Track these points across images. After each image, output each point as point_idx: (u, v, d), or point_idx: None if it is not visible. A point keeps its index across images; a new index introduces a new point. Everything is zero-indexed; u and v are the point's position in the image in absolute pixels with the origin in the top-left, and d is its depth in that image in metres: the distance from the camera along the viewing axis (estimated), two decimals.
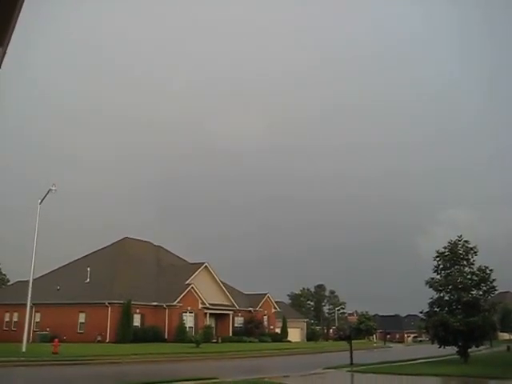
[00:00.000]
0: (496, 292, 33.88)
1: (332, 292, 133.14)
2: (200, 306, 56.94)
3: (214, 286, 61.98)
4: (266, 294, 70.78)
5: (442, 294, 32.58)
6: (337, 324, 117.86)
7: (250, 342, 57.43)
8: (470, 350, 32.16)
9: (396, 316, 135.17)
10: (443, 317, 31.09)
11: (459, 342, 31.43)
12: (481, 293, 32.23)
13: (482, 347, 36.84)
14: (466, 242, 32.68)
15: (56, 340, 34.31)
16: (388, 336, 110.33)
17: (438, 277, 32.75)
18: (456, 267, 32.43)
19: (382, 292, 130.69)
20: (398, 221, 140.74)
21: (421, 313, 34.14)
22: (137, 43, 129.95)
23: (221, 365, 32.82)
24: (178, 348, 41.56)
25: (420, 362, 31.63)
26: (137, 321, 52.27)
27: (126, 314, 49.97)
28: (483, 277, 31.89)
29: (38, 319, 53.36)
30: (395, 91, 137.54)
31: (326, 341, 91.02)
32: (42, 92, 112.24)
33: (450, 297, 32.31)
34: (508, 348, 48.27)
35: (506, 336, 77.33)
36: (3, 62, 5.46)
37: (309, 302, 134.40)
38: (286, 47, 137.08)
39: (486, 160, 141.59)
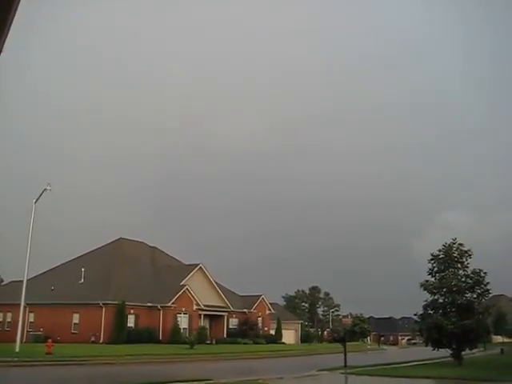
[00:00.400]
0: (490, 295, 34.03)
1: (327, 294, 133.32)
2: (194, 307, 56.87)
3: (208, 287, 61.92)
4: (260, 296, 70.76)
5: (436, 297, 32.68)
6: (331, 326, 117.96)
7: (244, 343, 57.37)
8: (463, 352, 32.25)
9: (390, 318, 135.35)
10: (437, 319, 31.17)
11: (453, 345, 31.51)
12: (475, 296, 32.34)
13: (475, 350, 36.95)
14: (460, 244, 32.79)
15: (50, 340, 34.21)
16: (382, 338, 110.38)
17: (433, 279, 32.84)
18: (450, 270, 32.53)
19: (376, 294, 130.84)
20: (393, 223, 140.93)
21: (415, 315, 34.21)
22: (136, 44, 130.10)
23: (215, 366, 32.80)
24: (172, 349, 41.50)
25: (414, 365, 31.67)
26: (131, 321, 52.15)
27: (121, 314, 49.85)
28: (477, 280, 32.00)
29: (31, 319, 53.15)
30: (394, 93, 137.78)
31: (321, 343, 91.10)
32: (41, 91, 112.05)
33: (444, 299, 32.39)
34: (502, 351, 48.44)
35: (499, 339, 77.48)
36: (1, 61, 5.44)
37: (303, 303, 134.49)
38: (286, 47, 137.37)
39: (482, 164, 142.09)
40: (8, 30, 4.58)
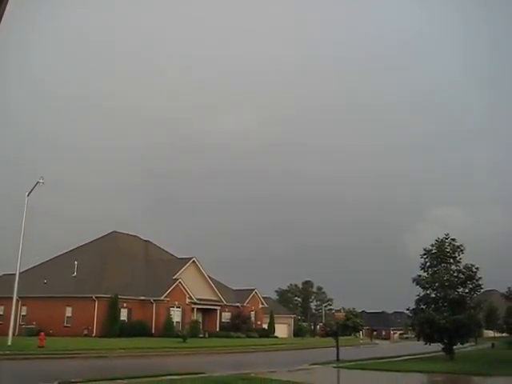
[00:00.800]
0: (482, 290, 34.25)
1: (319, 288, 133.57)
2: (187, 300, 56.92)
3: (201, 281, 61.96)
4: (253, 290, 70.90)
5: (428, 292, 32.88)
6: (324, 320, 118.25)
7: (237, 337, 57.49)
8: (455, 347, 32.50)
9: (383, 313, 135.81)
10: (429, 314, 31.36)
11: (445, 339, 31.75)
12: (467, 291, 32.57)
13: (467, 344, 37.26)
14: (452, 240, 32.98)
15: (42, 333, 34.11)
16: (374, 333, 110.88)
17: (425, 274, 33.03)
18: (443, 265, 32.72)
19: (369, 289, 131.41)
20: (385, 219, 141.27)
21: (407, 310, 34.44)
22: (130, 40, 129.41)
23: (208, 360, 32.88)
24: (164, 343, 41.51)
25: (406, 359, 31.85)
26: (124, 315, 52.14)
27: (113, 308, 49.82)
28: (469, 275, 32.22)
29: (24, 312, 53.03)
30: (391, 91, 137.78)
31: (313, 337, 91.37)
32: (37, 83, 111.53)
33: (436, 294, 32.60)
34: (492, 345, 48.84)
35: (490, 334, 77.99)
36: None
37: (296, 298, 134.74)
38: (278, 45, 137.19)
39: (476, 160, 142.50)
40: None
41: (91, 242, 63.19)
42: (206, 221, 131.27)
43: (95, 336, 48.03)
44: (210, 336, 56.44)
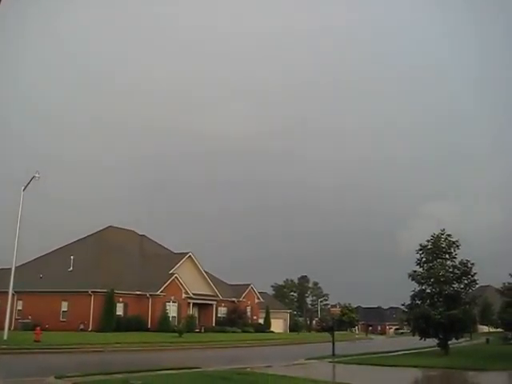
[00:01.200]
0: (477, 286, 34.38)
1: (315, 284, 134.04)
2: (183, 295, 56.99)
3: (197, 275, 62.03)
4: (249, 285, 71.03)
5: (423, 287, 32.98)
6: (320, 315, 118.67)
7: (232, 332, 57.65)
8: (450, 342, 32.62)
9: (378, 308, 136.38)
10: (425, 309, 31.48)
11: (440, 335, 31.88)
12: (462, 286, 32.69)
13: (462, 340, 37.39)
14: (448, 235, 33.07)
15: (38, 328, 34.09)
16: (370, 328, 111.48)
17: (421, 270, 33.12)
18: (438, 260, 32.80)
19: (364, 284, 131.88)
20: (381, 214, 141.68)
21: (403, 305, 34.50)
22: (125, 42, 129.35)
23: (203, 354, 32.93)
24: (160, 337, 41.55)
25: (401, 354, 31.95)
26: (120, 310, 52.21)
27: (109, 302, 49.87)
28: (465, 270, 32.33)
29: (20, 307, 53.02)
30: (380, 82, 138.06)
31: (309, 332, 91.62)
32: (30, 85, 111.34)
33: (431, 289, 32.70)
34: (487, 341, 49.07)
35: (485, 329, 78.37)
36: None
37: (292, 293, 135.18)
38: (278, 46, 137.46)
39: (471, 155, 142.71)
40: None
41: (87, 236, 63.15)
42: (202, 216, 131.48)
43: (91, 331, 48.08)
44: (206, 331, 56.55)
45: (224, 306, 65.99)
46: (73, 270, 54.34)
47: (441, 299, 32.10)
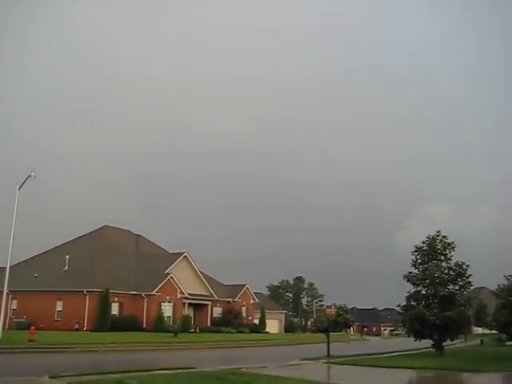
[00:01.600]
0: (472, 287, 34.44)
1: (311, 284, 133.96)
2: (179, 295, 56.91)
3: (193, 276, 61.95)
4: (244, 285, 70.96)
5: (419, 288, 33.03)
6: (315, 316, 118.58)
7: (228, 332, 57.60)
8: (445, 343, 32.69)
9: (373, 309, 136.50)
10: (419, 310, 31.53)
11: (435, 336, 31.95)
12: (457, 288, 32.76)
13: (456, 341, 37.45)
14: (444, 237, 33.13)
15: (33, 327, 33.99)
16: (365, 329, 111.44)
17: (416, 271, 33.17)
18: (434, 262, 32.86)
19: (359, 285, 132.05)
20: (377, 215, 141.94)
21: (398, 306, 34.57)
22: (127, 42, 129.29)
23: (198, 355, 32.90)
24: (155, 337, 41.50)
25: (396, 355, 32.03)
26: (115, 309, 52.07)
27: (104, 302, 49.75)
28: (460, 272, 32.39)
29: (14, 306, 52.84)
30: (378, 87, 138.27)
31: (304, 332, 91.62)
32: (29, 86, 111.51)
33: (426, 291, 32.77)
34: (481, 342, 49.24)
35: (480, 330, 78.55)
36: None
37: (287, 293, 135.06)
38: (278, 48, 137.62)
39: (467, 157, 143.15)
40: None
41: (82, 236, 62.97)
42: (198, 216, 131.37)
43: (86, 330, 47.94)
44: (201, 331, 56.47)
45: (219, 307, 65.94)
46: (68, 269, 54.20)
47: (436, 301, 32.17)
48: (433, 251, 33.00)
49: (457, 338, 35.39)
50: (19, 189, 35.13)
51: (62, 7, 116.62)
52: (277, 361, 25.90)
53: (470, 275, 32.44)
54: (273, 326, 79.89)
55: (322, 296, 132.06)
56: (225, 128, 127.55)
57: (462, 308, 32.38)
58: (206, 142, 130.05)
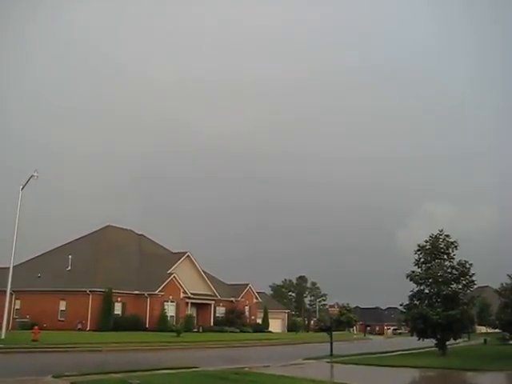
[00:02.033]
0: (475, 286, 34.40)
1: (314, 284, 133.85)
2: (182, 295, 56.94)
3: (195, 275, 61.97)
4: (247, 285, 70.95)
5: (422, 287, 33.00)
6: (318, 315, 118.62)
7: (231, 332, 57.60)
8: (448, 342, 32.65)
9: (376, 308, 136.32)
10: (423, 310, 31.50)
11: (438, 335, 31.91)
12: (460, 287, 32.71)
13: (459, 340, 37.44)
14: (447, 236, 33.09)
15: (36, 327, 34.06)
16: (368, 328, 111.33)
17: (419, 270, 33.14)
18: (436, 261, 32.83)
19: (362, 284, 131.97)
20: (380, 214, 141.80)
21: (401, 305, 34.52)
22: (127, 42, 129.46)
23: (201, 354, 32.91)
24: (158, 337, 41.52)
25: (399, 354, 31.98)
26: (118, 309, 52.12)
27: (107, 302, 49.81)
28: (463, 271, 32.35)
29: (18, 306, 52.94)
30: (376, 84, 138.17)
31: (307, 332, 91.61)
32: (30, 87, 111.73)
33: (429, 290, 32.73)
34: (485, 341, 49.11)
35: (483, 329, 78.44)
36: None
37: (290, 293, 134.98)
38: (278, 49, 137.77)
39: (467, 155, 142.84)
40: None
41: (85, 235, 63.06)
42: (202, 217, 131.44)
43: (89, 330, 48.01)
44: (204, 330, 56.50)
45: (222, 306, 65.95)
46: (71, 269, 54.27)
47: (439, 300, 32.14)
48: (436, 250, 32.96)
49: (460, 337, 35.38)
50: (22, 189, 35.23)
51: (62, 7, 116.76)
52: (280, 360, 25.89)
53: (473, 274, 32.42)
54: (276, 325, 79.88)
55: (324, 295, 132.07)
56: (225, 128, 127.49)
57: (465, 307, 32.34)
58: (206, 142, 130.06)
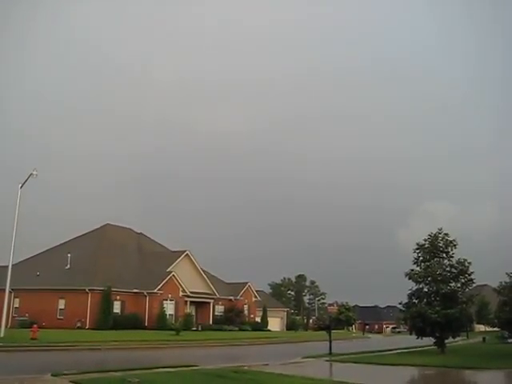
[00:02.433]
0: (474, 285, 34.42)
1: (312, 282, 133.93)
2: (181, 293, 56.95)
3: (195, 274, 61.98)
4: (246, 283, 70.97)
5: (421, 286, 33.03)
6: (317, 314, 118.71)
7: (230, 330, 57.62)
8: (446, 341, 32.70)
9: (375, 307, 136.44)
10: (421, 308, 31.54)
11: (436, 333, 31.96)
12: (459, 285, 32.75)
13: (458, 338, 37.50)
14: (446, 234, 33.12)
15: (35, 326, 34.02)
16: (367, 327, 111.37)
17: (418, 269, 33.15)
18: (435, 259, 32.86)
19: (361, 283, 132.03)
20: (379, 212, 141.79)
21: (400, 304, 34.56)
22: (127, 42, 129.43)
23: (201, 353, 32.91)
24: (158, 335, 41.53)
25: (398, 353, 32.01)
26: (117, 308, 52.12)
27: (107, 300, 49.79)
28: (462, 269, 32.38)
29: (16, 305, 52.89)
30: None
31: (306, 330, 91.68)
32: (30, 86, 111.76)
33: (428, 288, 32.76)
34: (483, 339, 49.20)
35: (482, 328, 78.51)
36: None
37: (289, 291, 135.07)
38: (278, 50, 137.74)
39: (467, 155, 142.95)
40: None
41: (84, 234, 63.05)
42: (201, 216, 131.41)
43: (88, 328, 48.02)
44: (203, 329, 56.55)
45: (221, 305, 65.98)
46: (70, 267, 54.26)
47: (438, 298, 32.17)
48: (435, 249, 33.00)
49: (459, 336, 35.42)
50: (21, 187, 35.24)
51: (62, 7, 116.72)
52: (279, 358, 25.92)
53: (471, 273, 32.45)
54: (275, 323, 79.90)
55: (323, 294, 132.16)
56: (225, 127, 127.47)
57: (464, 305, 32.39)
58: (206, 142, 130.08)
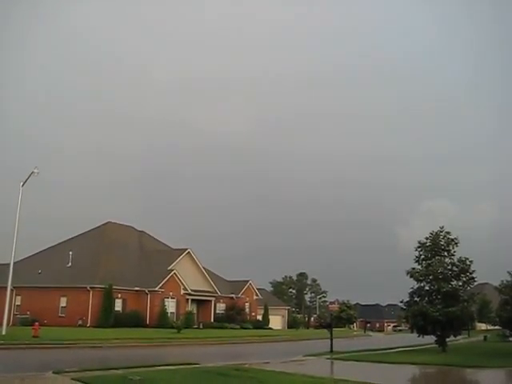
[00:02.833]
0: (475, 283, 34.40)
1: (314, 280, 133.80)
2: (182, 291, 57.00)
3: (196, 272, 62.00)
4: (248, 281, 71.01)
5: (422, 284, 32.99)
6: (318, 312, 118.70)
7: (231, 328, 57.67)
8: (448, 339, 32.68)
9: (376, 305, 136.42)
10: (423, 306, 31.51)
11: (438, 332, 31.93)
12: (460, 283, 32.70)
13: (459, 337, 37.43)
14: (447, 233, 33.07)
15: (36, 323, 34.07)
16: (368, 325, 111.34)
17: (419, 267, 33.12)
18: (437, 258, 32.80)
19: (362, 281, 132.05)
20: (381, 210, 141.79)
21: (401, 302, 34.54)
22: (127, 42, 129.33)
23: (202, 351, 32.94)
24: (159, 333, 41.58)
25: (399, 351, 32.02)
26: (118, 305, 52.19)
27: (108, 298, 49.86)
28: (463, 268, 32.33)
29: (18, 302, 52.99)
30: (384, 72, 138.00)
31: (307, 328, 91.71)
32: (30, 85, 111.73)
33: (430, 287, 32.72)
34: (485, 338, 49.15)
35: (483, 326, 78.52)
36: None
37: (291, 289, 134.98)
38: (278, 50, 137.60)
39: (467, 152, 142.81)
40: None
41: (86, 232, 63.06)
42: (202, 215, 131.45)
43: (90, 326, 48.07)
44: (204, 327, 56.59)
45: (222, 303, 66.02)
46: (71, 265, 54.32)
47: (439, 296, 32.13)
48: (436, 247, 32.95)
49: (460, 334, 35.36)
50: (22, 186, 35.27)
51: (62, 7, 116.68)
52: (280, 357, 25.94)
53: (473, 271, 32.40)
54: (276, 321, 79.93)
55: (325, 292, 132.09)
56: (225, 127, 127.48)
57: (466, 304, 32.34)
58: (206, 141, 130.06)
